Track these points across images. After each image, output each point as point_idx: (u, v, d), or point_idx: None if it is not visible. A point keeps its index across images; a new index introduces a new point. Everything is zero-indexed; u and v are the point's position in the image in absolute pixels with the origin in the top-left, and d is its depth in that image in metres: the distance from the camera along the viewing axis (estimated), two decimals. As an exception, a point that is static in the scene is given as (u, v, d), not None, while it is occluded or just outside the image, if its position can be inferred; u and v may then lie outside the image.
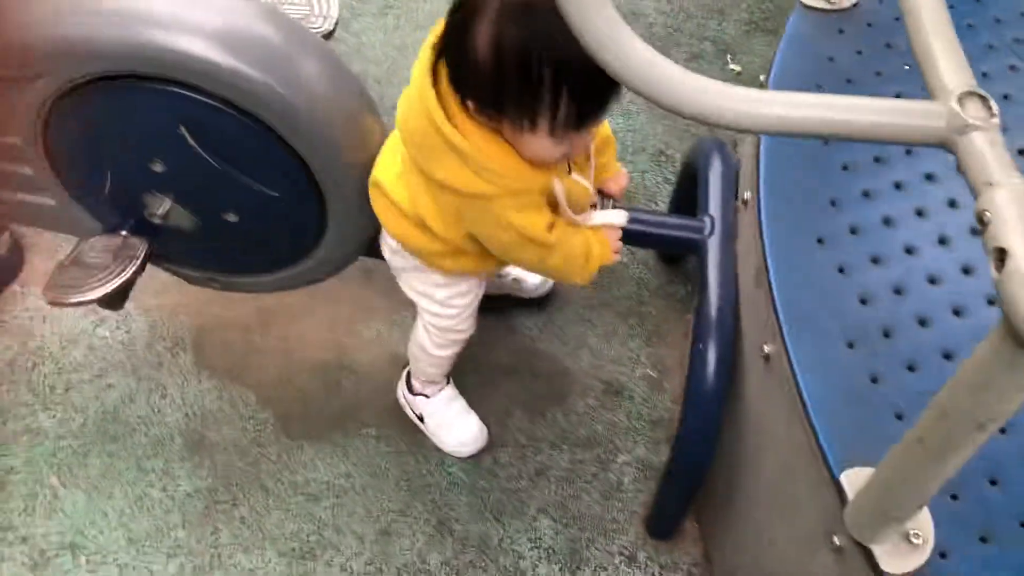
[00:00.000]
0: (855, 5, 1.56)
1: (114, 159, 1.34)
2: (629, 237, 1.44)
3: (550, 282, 1.84)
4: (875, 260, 1.25)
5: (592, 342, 1.80)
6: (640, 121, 2.16)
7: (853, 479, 1.03)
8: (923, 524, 1.02)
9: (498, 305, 1.80)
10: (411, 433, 1.66)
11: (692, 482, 1.39)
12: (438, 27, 1.12)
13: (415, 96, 1.13)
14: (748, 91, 0.80)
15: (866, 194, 1.32)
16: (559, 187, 1.19)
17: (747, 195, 1.39)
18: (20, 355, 1.70)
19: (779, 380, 1.19)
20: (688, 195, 1.57)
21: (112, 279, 1.38)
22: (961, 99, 0.78)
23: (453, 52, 1.08)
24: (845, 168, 1.36)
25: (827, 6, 1.55)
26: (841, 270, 1.24)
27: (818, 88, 1.47)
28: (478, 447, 1.64)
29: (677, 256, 1.87)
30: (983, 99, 0.78)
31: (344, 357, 1.74)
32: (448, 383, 1.65)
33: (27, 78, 1.25)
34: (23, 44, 1.22)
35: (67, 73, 1.23)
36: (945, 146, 0.79)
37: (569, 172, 1.24)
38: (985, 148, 0.75)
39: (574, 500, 1.60)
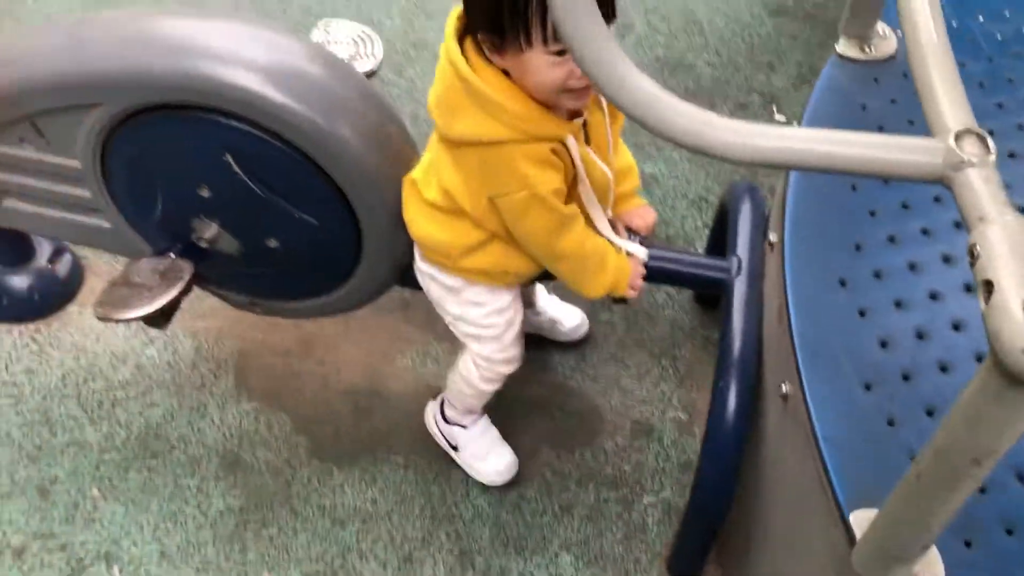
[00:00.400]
0: (892, 57, 1.58)
1: (165, 184, 1.42)
2: (657, 274, 1.46)
3: (586, 326, 1.86)
4: (898, 304, 1.25)
5: (624, 382, 1.82)
6: (682, 169, 2.19)
7: (862, 519, 1.02)
8: (934, 568, 1.00)
9: (532, 342, 1.83)
10: (438, 462, 1.68)
11: (712, 521, 1.39)
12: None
13: (442, 61, 1.22)
14: (748, 124, 0.83)
15: (892, 239, 1.32)
16: (573, 145, 1.24)
17: (773, 237, 1.40)
18: (72, 371, 1.78)
19: (795, 419, 1.19)
20: (722, 237, 1.59)
21: (157, 299, 1.45)
22: (958, 137, 0.79)
23: None
24: (872, 214, 1.36)
25: (863, 56, 1.57)
26: (862, 313, 1.24)
27: (850, 135, 1.48)
28: (510, 476, 1.66)
29: (712, 299, 1.88)
30: (980, 137, 0.80)
31: (378, 385, 1.79)
32: (483, 413, 1.67)
33: (88, 106, 1.34)
34: (85, 74, 1.31)
35: (125, 102, 1.32)
36: (942, 182, 0.80)
37: (588, 142, 1.29)
38: (979, 184, 0.76)
39: (597, 538, 1.60)
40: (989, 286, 0.71)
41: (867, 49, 1.58)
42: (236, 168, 1.35)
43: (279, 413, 1.74)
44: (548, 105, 1.21)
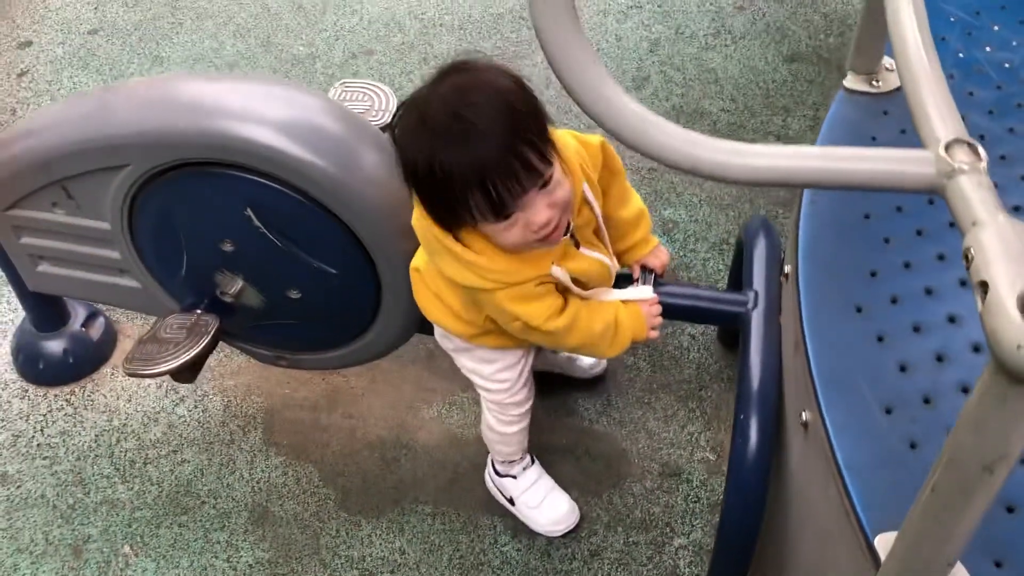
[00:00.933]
0: (899, 89, 1.59)
1: (189, 240, 1.46)
2: (674, 311, 1.46)
3: (603, 363, 1.86)
4: (916, 329, 1.24)
5: (651, 425, 1.80)
6: (703, 212, 2.20)
7: (886, 543, 1.00)
8: (962, 590, 0.98)
9: (557, 386, 1.84)
10: (467, 510, 1.68)
11: (741, 555, 1.36)
12: None
13: (415, 225, 1.24)
14: (741, 144, 0.85)
15: (907, 265, 1.32)
16: (559, 272, 1.23)
17: (788, 268, 1.40)
18: (105, 431, 1.81)
19: (816, 447, 1.17)
20: (740, 274, 1.59)
21: (183, 353, 1.49)
22: (949, 146, 0.80)
23: (404, 173, 1.16)
24: (887, 241, 1.36)
25: (871, 89, 1.58)
26: (880, 338, 1.23)
27: (860, 165, 1.49)
28: (571, 524, 1.64)
29: (736, 339, 1.87)
30: (971, 146, 0.80)
31: (404, 436, 1.79)
32: (533, 462, 1.66)
33: (116, 167, 1.39)
34: (114, 136, 1.37)
35: (150, 162, 1.37)
36: (935, 191, 0.81)
37: (578, 247, 1.29)
38: (971, 190, 0.77)
39: (628, 582, 1.58)
40: (984, 287, 0.71)
41: (875, 83, 1.59)
42: (257, 221, 1.39)
43: (307, 466, 1.75)
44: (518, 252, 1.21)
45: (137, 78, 1.46)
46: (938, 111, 0.84)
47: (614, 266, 1.37)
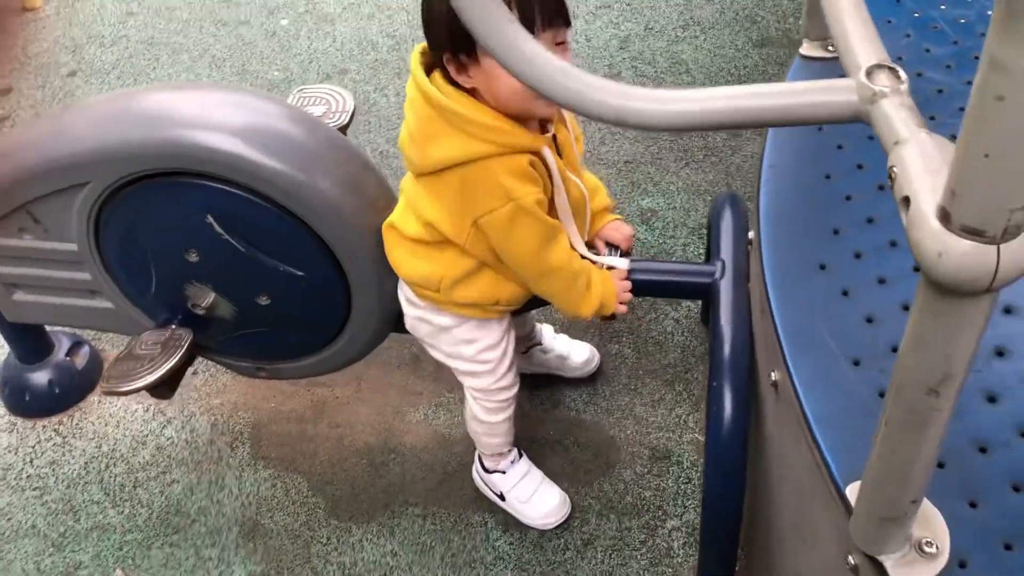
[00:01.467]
0: (856, 51, 1.59)
1: (155, 254, 1.46)
2: (644, 287, 1.46)
3: (595, 361, 1.85)
4: (881, 281, 1.22)
5: (638, 410, 1.79)
6: (680, 200, 2.20)
7: (856, 491, 0.99)
8: (937, 532, 0.96)
9: (543, 380, 1.83)
10: (456, 509, 1.66)
11: (727, 524, 1.34)
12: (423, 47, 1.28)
13: (411, 95, 1.27)
14: (664, 91, 0.84)
15: (870, 220, 1.31)
16: (548, 155, 1.27)
17: (751, 234, 1.39)
18: (95, 458, 1.81)
19: (787, 405, 1.16)
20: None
21: (159, 368, 1.49)
22: (870, 72, 0.80)
23: (424, 19, 1.23)
24: (848, 198, 1.35)
25: (826, 55, 1.58)
26: (845, 293, 1.22)
27: (819, 130, 1.49)
28: (563, 516, 1.63)
29: (718, 319, 1.86)
30: (891, 70, 0.80)
31: (391, 440, 1.78)
32: (521, 456, 1.65)
33: (77, 185, 1.40)
34: (72, 155, 1.38)
35: (109, 177, 1.38)
36: (860, 118, 0.80)
37: (560, 157, 1.32)
38: (893, 112, 0.76)
39: (622, 568, 1.56)
40: (907, 202, 0.70)
41: (829, 48, 1.59)
42: (218, 228, 1.39)
43: (295, 477, 1.74)
44: (520, 119, 1.25)
45: (92, 96, 1.47)
46: (859, 39, 0.84)
47: (587, 196, 1.39)
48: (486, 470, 1.65)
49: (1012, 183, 0.61)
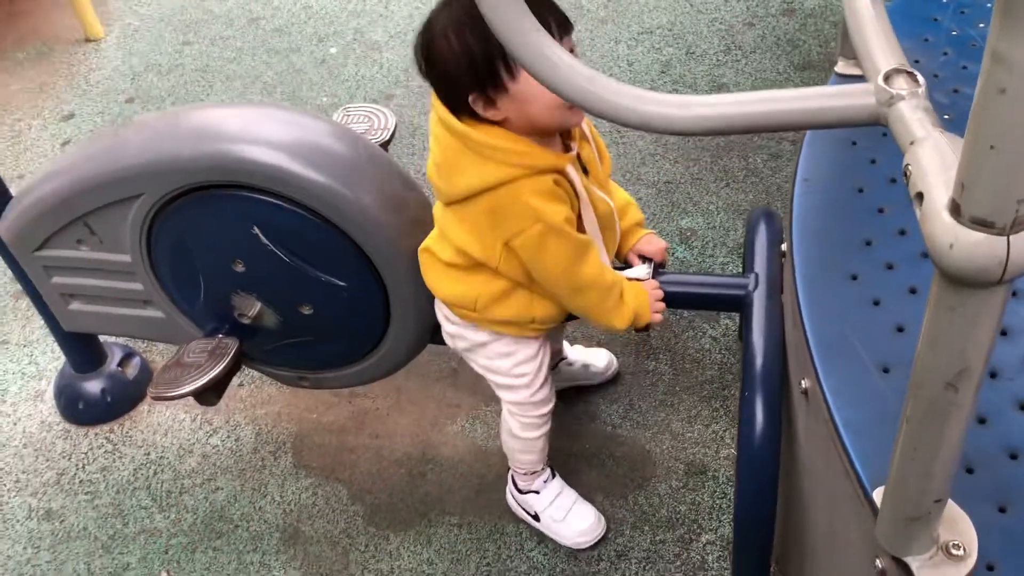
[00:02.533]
0: (891, 68, 1.60)
1: (204, 264, 1.52)
2: (678, 299, 1.48)
3: (615, 363, 1.87)
4: (913, 291, 1.23)
5: (674, 426, 1.80)
6: (720, 219, 2.21)
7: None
8: (964, 535, 0.96)
9: (578, 395, 1.85)
10: (492, 519, 1.69)
11: (760, 532, 1.34)
12: None
13: (435, 130, 1.31)
14: (687, 97, 0.87)
15: (902, 232, 1.31)
16: (574, 174, 1.30)
17: (784, 247, 1.41)
18: (143, 465, 1.87)
19: (817, 412, 1.17)
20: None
21: (206, 375, 1.54)
22: (888, 76, 0.82)
23: (438, 72, 1.27)
24: (880, 211, 1.36)
25: (860, 72, 1.59)
26: (876, 303, 1.23)
27: (852, 144, 1.50)
28: (598, 534, 1.63)
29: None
30: (909, 74, 0.82)
31: (429, 451, 1.82)
32: (554, 476, 1.67)
33: (131, 198, 1.47)
34: (127, 168, 1.44)
35: (161, 189, 1.44)
36: (878, 121, 0.82)
37: (587, 174, 1.35)
38: (909, 113, 0.78)
39: (656, 581, 1.57)
40: (920, 198, 0.72)
41: (865, 65, 1.60)
42: (264, 239, 1.44)
43: (335, 486, 1.78)
44: (545, 137, 1.29)
45: (147, 114, 1.54)
46: (877, 45, 0.86)
47: (617, 216, 1.42)
48: (520, 491, 1.66)
49: (1018, 174, 0.62)
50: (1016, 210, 0.64)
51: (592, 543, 1.63)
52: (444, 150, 1.30)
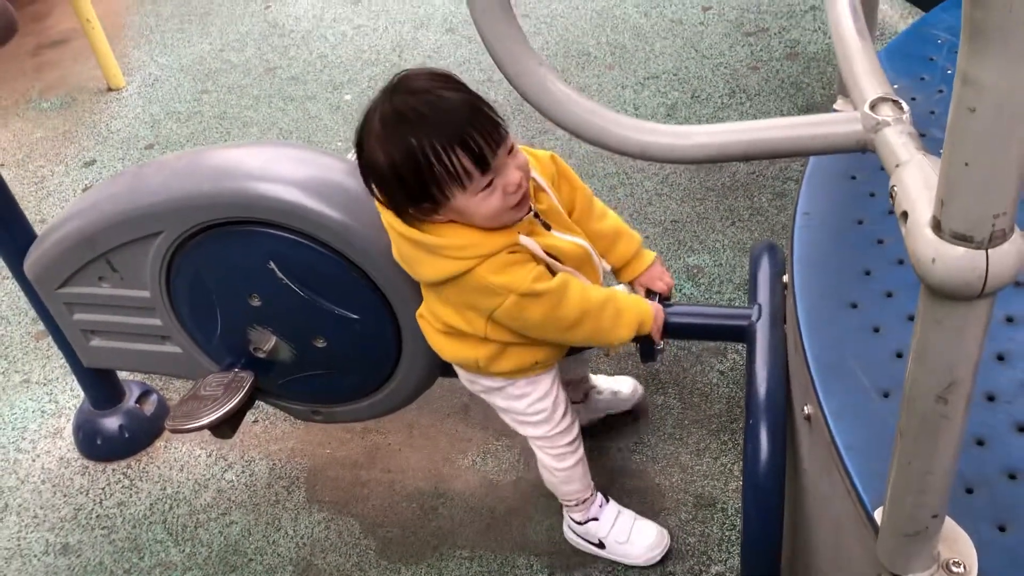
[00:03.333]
0: (889, 105, 1.64)
1: (220, 299, 1.56)
2: (681, 330, 1.50)
3: (640, 389, 1.88)
4: (911, 318, 1.25)
5: (683, 459, 1.82)
6: (726, 256, 2.25)
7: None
8: (964, 553, 0.98)
9: (588, 428, 1.87)
10: (503, 553, 1.70)
11: (766, 558, 1.36)
12: None
13: (385, 224, 1.34)
14: (684, 127, 0.92)
15: (901, 262, 1.35)
16: (528, 241, 1.31)
17: (786, 278, 1.44)
18: (159, 500, 1.89)
19: (819, 437, 1.19)
20: (752, 300, 1.63)
21: (221, 408, 1.57)
22: (874, 104, 0.86)
23: (372, 180, 1.29)
24: (880, 242, 1.39)
25: (860, 109, 1.64)
26: (876, 330, 1.26)
27: (851, 178, 1.54)
28: (665, 546, 1.64)
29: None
30: (895, 102, 0.86)
31: (441, 486, 1.83)
32: (608, 500, 1.67)
33: (152, 235, 1.52)
34: (148, 206, 1.50)
35: (181, 226, 1.49)
36: (865, 147, 0.86)
37: (549, 228, 1.37)
38: (894, 138, 0.83)
39: (666, 612, 1.57)
40: (905, 216, 0.76)
41: (863, 103, 1.65)
42: (280, 273, 1.49)
43: (348, 520, 1.80)
44: (492, 226, 1.30)
45: (168, 153, 1.60)
46: (864, 75, 0.90)
47: (597, 255, 1.43)
48: (579, 523, 1.65)
49: (992, 190, 0.66)
50: (993, 224, 0.68)
51: (661, 556, 1.63)
52: (399, 246, 1.34)
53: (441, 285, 1.34)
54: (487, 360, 1.42)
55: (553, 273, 1.36)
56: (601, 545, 1.65)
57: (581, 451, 1.58)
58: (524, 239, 1.31)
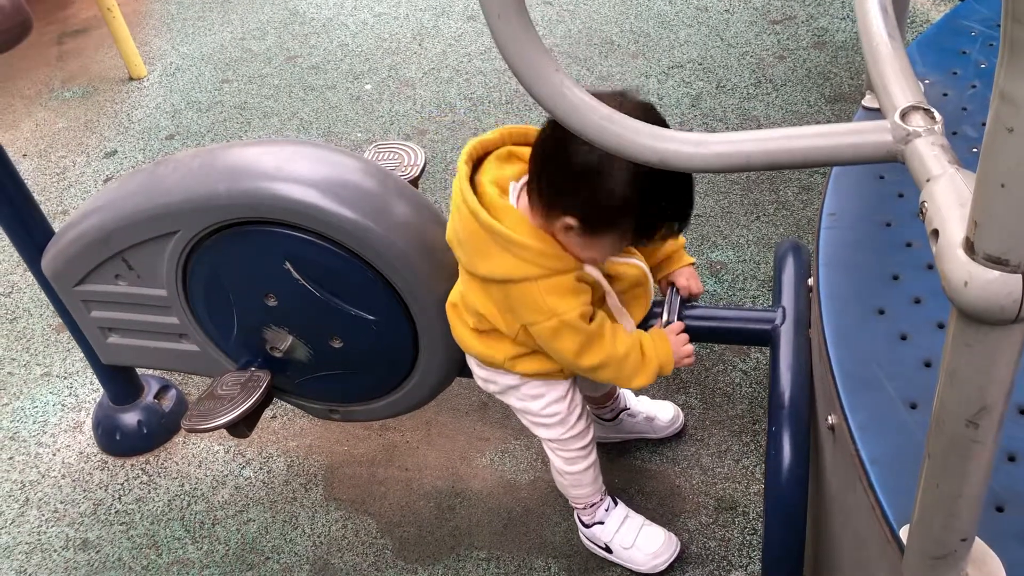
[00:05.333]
0: (919, 101, 1.60)
1: (237, 298, 1.55)
2: (704, 334, 1.48)
3: (681, 418, 1.84)
4: (940, 326, 1.22)
5: (704, 461, 1.79)
6: (750, 253, 2.21)
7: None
8: (993, 574, 0.95)
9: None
10: (520, 554, 1.68)
11: (788, 569, 1.33)
12: (471, 148, 1.31)
13: (458, 206, 1.29)
14: (705, 135, 0.89)
15: (931, 267, 1.31)
16: (594, 271, 1.29)
17: (811, 281, 1.41)
18: (177, 496, 1.89)
19: (843, 449, 1.16)
20: (776, 300, 1.59)
21: (238, 407, 1.56)
22: (904, 114, 0.83)
23: (555, 171, 1.23)
24: (908, 245, 1.35)
25: (889, 105, 1.59)
26: (903, 337, 1.22)
27: (880, 178, 1.50)
28: (672, 554, 1.60)
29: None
30: (926, 111, 0.82)
31: (459, 485, 1.82)
32: (617, 503, 1.64)
33: (167, 234, 1.51)
34: (164, 205, 1.48)
35: (197, 225, 1.48)
36: (895, 158, 0.83)
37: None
38: (925, 150, 0.79)
39: (685, 618, 1.55)
40: (936, 235, 0.72)
41: (893, 99, 1.60)
42: (296, 274, 1.47)
43: (365, 519, 1.79)
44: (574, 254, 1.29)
45: (183, 151, 1.58)
46: (895, 81, 0.87)
47: (649, 272, 1.42)
48: (586, 525, 1.64)
49: (1030, 212, 0.63)
50: (1030, 247, 0.64)
51: (667, 564, 1.60)
52: (468, 232, 1.29)
53: (492, 283, 1.30)
54: (512, 360, 1.40)
55: (603, 301, 1.36)
56: (608, 549, 1.62)
57: (594, 455, 1.56)
58: (591, 270, 1.30)
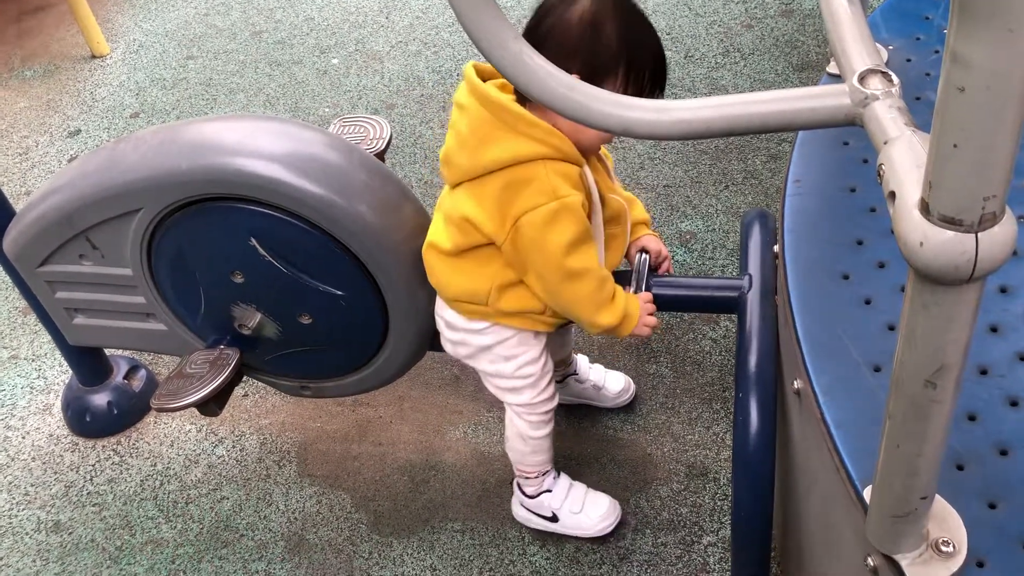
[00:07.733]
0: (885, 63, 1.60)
1: (203, 276, 1.54)
2: (671, 302, 1.48)
3: (631, 391, 1.85)
4: (904, 289, 1.23)
5: (675, 428, 1.80)
6: (719, 222, 2.22)
7: (872, 492, 1.00)
8: (954, 532, 0.97)
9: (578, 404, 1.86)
10: (495, 524, 1.69)
11: (757, 533, 1.35)
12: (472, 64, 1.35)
13: (463, 103, 1.33)
14: (667, 102, 0.88)
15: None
16: (588, 173, 1.34)
17: (777, 248, 1.41)
18: (150, 476, 1.89)
19: (809, 412, 1.17)
20: (744, 268, 1.60)
21: (207, 385, 1.55)
22: (863, 77, 0.83)
23: (560, 33, 1.29)
24: (873, 210, 1.37)
25: (853, 71, 1.60)
26: (867, 302, 1.24)
27: (844, 144, 1.51)
28: (617, 517, 1.64)
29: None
30: (884, 74, 0.83)
31: (432, 459, 1.83)
32: (559, 473, 1.66)
33: (130, 212, 1.49)
34: (126, 183, 1.46)
35: (160, 203, 1.46)
36: (854, 121, 0.83)
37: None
38: (883, 113, 0.79)
39: (658, 583, 1.57)
40: (893, 196, 0.73)
41: (857, 65, 1.61)
42: (262, 250, 1.46)
43: (339, 494, 1.79)
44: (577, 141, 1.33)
45: (144, 128, 1.56)
46: (854, 46, 0.87)
47: (628, 210, 1.46)
48: (530, 496, 1.65)
49: (981, 172, 0.63)
50: (983, 207, 0.65)
51: (612, 527, 1.63)
52: (473, 122, 1.32)
53: (494, 173, 1.31)
54: (499, 291, 1.39)
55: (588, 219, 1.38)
56: (554, 518, 1.64)
57: (553, 424, 1.58)
58: (587, 170, 1.34)
